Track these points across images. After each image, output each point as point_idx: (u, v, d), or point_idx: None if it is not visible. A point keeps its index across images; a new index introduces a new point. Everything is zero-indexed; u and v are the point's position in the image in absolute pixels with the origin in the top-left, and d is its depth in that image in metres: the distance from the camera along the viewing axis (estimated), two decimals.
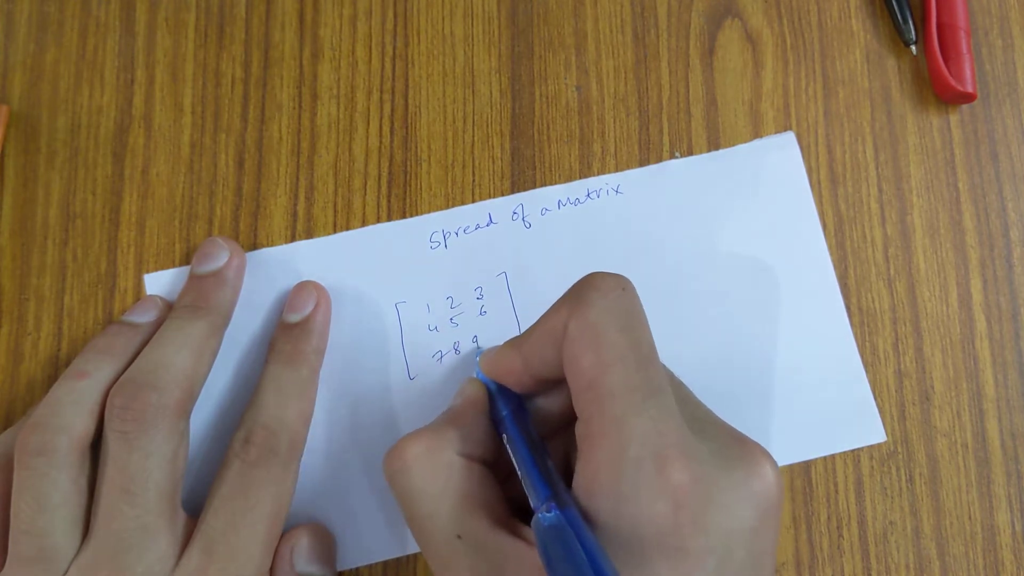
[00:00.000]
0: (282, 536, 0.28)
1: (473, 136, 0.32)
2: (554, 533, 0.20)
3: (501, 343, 0.27)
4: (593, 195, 0.32)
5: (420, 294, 0.31)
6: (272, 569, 0.27)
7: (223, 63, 0.33)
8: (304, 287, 0.30)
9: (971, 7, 0.34)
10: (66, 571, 0.25)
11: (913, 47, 0.33)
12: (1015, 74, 0.33)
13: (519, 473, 0.24)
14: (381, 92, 0.33)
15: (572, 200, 0.32)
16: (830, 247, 0.32)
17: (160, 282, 0.31)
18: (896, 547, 0.30)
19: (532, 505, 0.22)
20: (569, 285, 0.30)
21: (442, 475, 0.24)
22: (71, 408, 0.26)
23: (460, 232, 0.31)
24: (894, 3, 0.33)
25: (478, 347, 0.30)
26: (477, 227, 0.31)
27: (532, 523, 0.22)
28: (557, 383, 0.25)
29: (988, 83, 0.33)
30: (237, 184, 0.32)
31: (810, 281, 0.31)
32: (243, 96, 0.32)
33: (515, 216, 0.32)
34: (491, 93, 0.33)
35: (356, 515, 0.29)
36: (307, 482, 0.29)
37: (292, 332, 0.29)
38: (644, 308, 0.24)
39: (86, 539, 0.25)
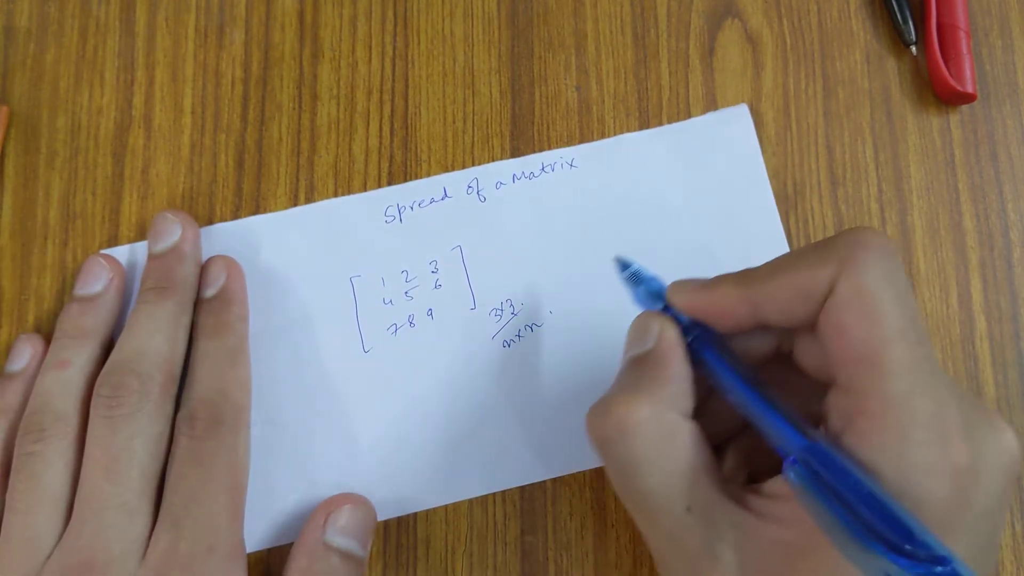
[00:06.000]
0: (323, 501, 0.28)
1: (473, 136, 0.32)
2: (834, 466, 0.20)
3: (677, 279, 0.25)
4: (548, 169, 0.32)
5: (375, 268, 0.31)
6: (302, 533, 0.27)
7: (223, 63, 0.33)
8: (214, 261, 0.30)
9: (971, 7, 0.34)
10: (51, 551, 0.25)
11: (913, 47, 0.33)
12: (1015, 74, 0.33)
13: (753, 419, 0.22)
14: (381, 92, 0.33)
15: (527, 174, 0.32)
16: None
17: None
18: None
19: (785, 450, 0.21)
20: (524, 258, 0.31)
21: (668, 441, 0.22)
22: (61, 399, 0.27)
23: (415, 206, 0.31)
24: (894, 3, 0.33)
25: (621, 261, 0.27)
26: (432, 201, 0.32)
27: (786, 467, 0.21)
28: (772, 327, 0.24)
29: (988, 83, 0.33)
30: (237, 184, 0.32)
31: (763, 251, 0.31)
32: (243, 96, 0.33)
33: (470, 190, 0.32)
34: (491, 93, 0.33)
35: (312, 487, 0.29)
36: (262, 453, 0.29)
37: (212, 305, 0.29)
38: None
39: (70, 520, 0.26)
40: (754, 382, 0.23)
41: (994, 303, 0.32)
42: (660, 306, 0.25)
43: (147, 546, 0.25)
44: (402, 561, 0.29)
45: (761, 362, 0.25)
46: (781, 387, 0.24)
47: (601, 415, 0.23)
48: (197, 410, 0.27)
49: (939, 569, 0.17)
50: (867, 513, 0.19)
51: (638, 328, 0.25)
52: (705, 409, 0.25)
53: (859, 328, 0.21)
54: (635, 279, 0.26)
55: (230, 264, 0.30)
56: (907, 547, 0.18)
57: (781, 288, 0.22)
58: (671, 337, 0.24)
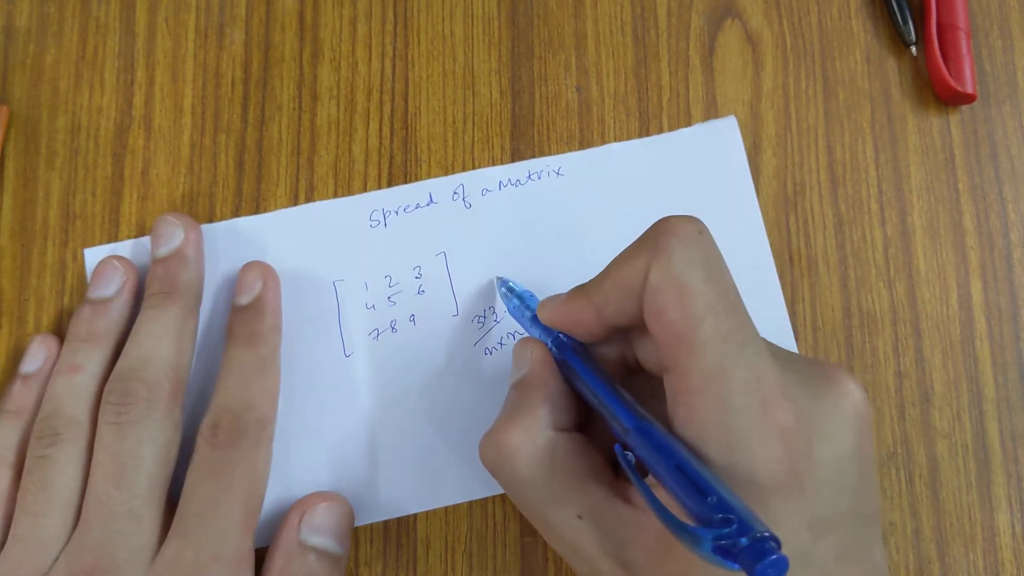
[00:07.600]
0: (298, 501, 0.28)
1: (473, 137, 0.32)
2: (659, 444, 0.21)
3: (550, 295, 0.26)
4: (534, 176, 0.32)
5: (358, 272, 0.31)
6: (277, 533, 0.27)
7: (223, 63, 0.33)
8: (251, 267, 0.30)
9: (971, 8, 0.34)
10: (58, 554, 0.25)
11: (913, 48, 0.33)
12: (1015, 75, 0.33)
13: (598, 408, 0.23)
14: (381, 93, 0.33)
15: (513, 181, 0.32)
16: (829, 247, 0.32)
17: (100, 257, 0.30)
18: (896, 548, 0.30)
19: (618, 432, 0.22)
20: (509, 265, 0.31)
21: (546, 457, 0.24)
22: (73, 403, 0.27)
23: (400, 211, 0.31)
24: (894, 4, 0.33)
25: (500, 279, 0.30)
26: (417, 206, 0.32)
27: (617, 448, 0.22)
28: (623, 329, 0.25)
29: (988, 84, 0.33)
30: (237, 184, 0.32)
31: (748, 262, 0.31)
32: (243, 96, 0.33)
33: (455, 196, 0.32)
34: (491, 94, 0.33)
35: (294, 489, 0.29)
36: None
37: (245, 314, 0.29)
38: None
39: (77, 525, 0.26)
40: (601, 375, 0.24)
41: (994, 303, 0.32)
42: (530, 315, 0.27)
43: (156, 552, 0.25)
44: (402, 561, 0.29)
45: (619, 369, 0.26)
46: (645, 394, 0.25)
47: (485, 444, 0.24)
48: (221, 419, 0.27)
49: (725, 531, 0.18)
50: (674, 486, 0.20)
51: (515, 354, 0.27)
52: (593, 416, 0.26)
53: (672, 310, 0.22)
54: (509, 294, 0.29)
55: (267, 272, 0.30)
56: (698, 514, 0.19)
57: (611, 288, 0.24)
58: (541, 359, 0.26)
